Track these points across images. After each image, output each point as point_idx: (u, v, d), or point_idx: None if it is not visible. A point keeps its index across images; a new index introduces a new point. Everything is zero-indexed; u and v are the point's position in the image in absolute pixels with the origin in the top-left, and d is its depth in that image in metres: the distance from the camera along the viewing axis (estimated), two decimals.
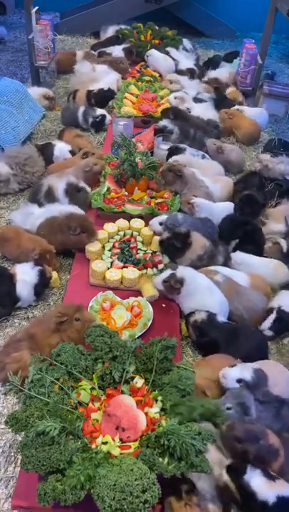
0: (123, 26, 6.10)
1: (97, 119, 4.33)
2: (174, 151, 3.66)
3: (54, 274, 2.75)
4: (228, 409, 1.95)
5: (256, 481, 1.66)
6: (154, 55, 5.35)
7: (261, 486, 1.65)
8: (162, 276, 2.59)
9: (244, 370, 2.09)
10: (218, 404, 1.89)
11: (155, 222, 2.96)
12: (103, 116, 4.34)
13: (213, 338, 2.36)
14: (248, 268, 2.83)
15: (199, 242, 2.82)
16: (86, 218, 2.91)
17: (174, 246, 2.76)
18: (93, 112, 4.33)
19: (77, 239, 2.84)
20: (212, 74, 5.32)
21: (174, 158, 3.57)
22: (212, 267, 2.75)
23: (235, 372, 2.09)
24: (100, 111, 4.36)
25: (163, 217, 2.95)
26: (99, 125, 4.37)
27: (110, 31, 6.15)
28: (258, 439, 1.79)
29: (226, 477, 1.70)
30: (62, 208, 3.00)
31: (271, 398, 2.01)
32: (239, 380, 2.06)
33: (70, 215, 2.88)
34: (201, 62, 5.90)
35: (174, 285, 2.52)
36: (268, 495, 1.63)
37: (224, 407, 1.95)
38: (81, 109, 4.35)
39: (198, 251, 2.80)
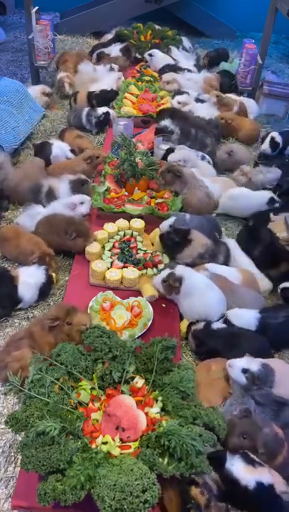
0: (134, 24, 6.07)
1: (101, 118, 4.30)
2: (170, 153, 3.62)
3: (53, 275, 2.75)
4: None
5: (237, 467, 1.70)
6: (158, 56, 5.34)
7: (242, 471, 1.69)
8: (161, 275, 2.59)
9: (251, 362, 2.11)
10: (221, 416, 1.88)
11: (165, 225, 2.93)
12: (106, 114, 4.30)
13: (212, 345, 2.35)
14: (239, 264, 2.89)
15: (200, 241, 2.82)
16: (82, 222, 2.91)
17: (173, 241, 2.79)
18: (95, 113, 4.32)
19: (74, 243, 2.85)
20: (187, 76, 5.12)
21: (176, 156, 3.54)
22: (205, 264, 2.75)
23: (242, 362, 2.11)
24: (101, 109, 4.33)
25: (171, 219, 2.94)
26: (103, 123, 4.34)
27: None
28: (261, 427, 1.81)
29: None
30: (67, 200, 3.05)
31: (270, 400, 2.01)
32: (245, 371, 2.08)
33: (67, 219, 2.89)
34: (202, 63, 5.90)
35: (172, 284, 2.52)
36: (249, 480, 1.67)
37: (232, 413, 1.94)
38: (85, 111, 4.34)
39: (199, 249, 2.81)
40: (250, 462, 1.72)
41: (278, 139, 4.06)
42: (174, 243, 2.81)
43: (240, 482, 1.67)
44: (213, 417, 1.83)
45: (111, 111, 4.34)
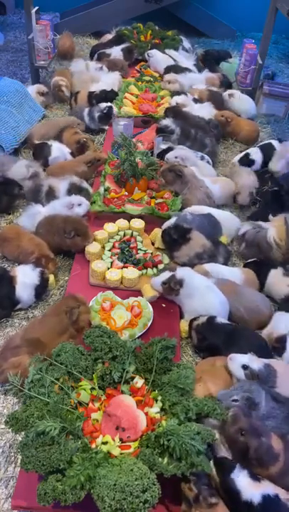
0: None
1: (104, 111, 4.28)
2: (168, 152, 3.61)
3: (50, 277, 2.75)
4: (235, 401, 1.92)
5: (242, 480, 1.67)
6: (157, 56, 5.34)
7: (247, 485, 1.66)
8: (161, 277, 2.58)
9: (253, 360, 2.11)
10: (215, 403, 1.88)
11: (167, 223, 2.92)
12: (110, 108, 4.30)
13: (213, 341, 2.35)
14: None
15: (199, 241, 2.82)
16: (80, 221, 2.91)
17: (172, 237, 2.80)
18: (98, 107, 4.30)
19: (72, 242, 2.85)
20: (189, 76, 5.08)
21: (173, 153, 3.53)
22: (204, 265, 2.75)
23: (243, 358, 2.11)
24: (103, 104, 4.32)
25: (174, 218, 2.93)
26: (107, 117, 4.32)
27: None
28: (260, 434, 1.79)
29: (213, 469, 1.71)
30: (67, 199, 3.06)
31: (285, 399, 2.00)
32: (245, 367, 2.08)
33: (66, 218, 2.89)
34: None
35: (173, 287, 2.52)
36: (254, 495, 1.64)
37: (230, 398, 1.92)
38: (86, 111, 4.34)
39: (197, 248, 2.81)
40: (256, 479, 1.70)
41: (254, 156, 3.85)
42: (173, 240, 2.81)
43: (241, 495, 1.64)
44: (203, 404, 1.82)
45: (114, 106, 4.33)
